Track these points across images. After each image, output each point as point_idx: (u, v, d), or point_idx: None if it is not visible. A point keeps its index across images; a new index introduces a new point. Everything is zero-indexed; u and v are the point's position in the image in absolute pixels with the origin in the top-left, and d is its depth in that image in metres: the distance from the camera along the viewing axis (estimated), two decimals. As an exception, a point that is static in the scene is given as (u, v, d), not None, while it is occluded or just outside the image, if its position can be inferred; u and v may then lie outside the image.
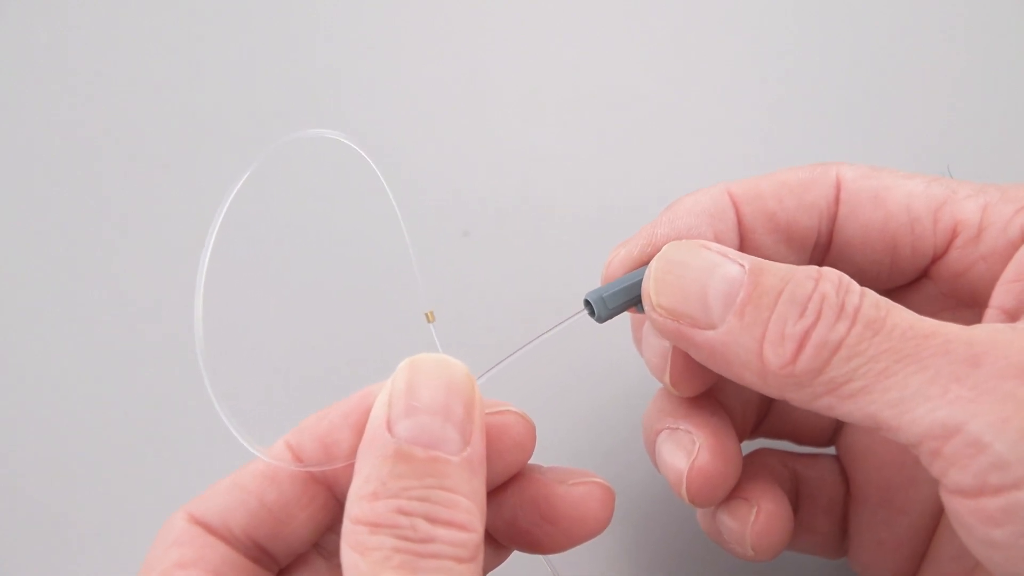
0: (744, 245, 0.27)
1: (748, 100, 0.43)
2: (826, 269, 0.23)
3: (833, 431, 0.31)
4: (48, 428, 0.36)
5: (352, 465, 0.22)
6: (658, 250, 0.25)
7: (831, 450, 0.31)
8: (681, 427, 0.27)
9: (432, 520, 0.20)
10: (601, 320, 0.26)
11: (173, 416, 0.36)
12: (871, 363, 0.21)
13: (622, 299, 0.26)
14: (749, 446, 0.31)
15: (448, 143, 0.44)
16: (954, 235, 0.25)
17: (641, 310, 0.25)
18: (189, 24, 0.44)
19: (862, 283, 0.23)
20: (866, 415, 0.21)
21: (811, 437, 0.31)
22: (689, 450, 0.26)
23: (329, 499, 0.25)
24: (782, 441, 0.32)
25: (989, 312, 0.24)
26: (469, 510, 0.21)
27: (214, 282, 0.24)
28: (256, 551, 0.24)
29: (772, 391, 0.23)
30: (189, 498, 0.24)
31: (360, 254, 0.39)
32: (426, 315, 0.27)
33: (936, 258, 0.26)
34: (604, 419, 0.36)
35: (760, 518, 0.27)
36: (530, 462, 0.26)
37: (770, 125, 0.42)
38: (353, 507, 0.21)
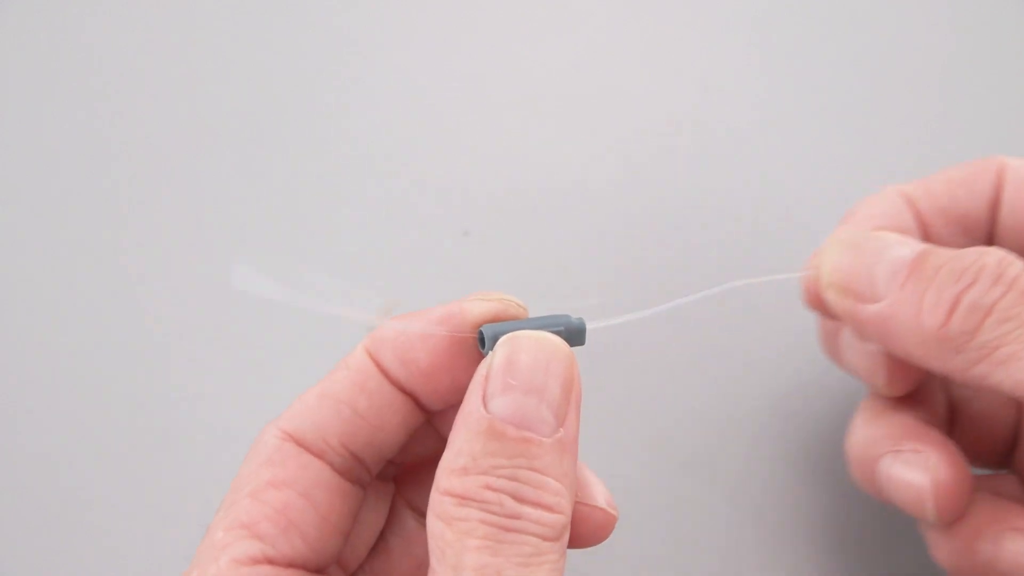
0: (927, 240, 0.28)
1: (748, 101, 0.43)
2: (992, 248, 0.24)
3: (1008, 449, 0.31)
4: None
5: (434, 374, 0.24)
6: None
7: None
8: (905, 448, 0.27)
9: (519, 499, 0.21)
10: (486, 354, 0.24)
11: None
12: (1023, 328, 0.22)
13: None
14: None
15: (448, 142, 0.44)
16: None
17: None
18: (190, 25, 0.44)
19: None
20: (1016, 382, 0.22)
21: (987, 455, 0.31)
22: (925, 468, 0.26)
23: (415, 407, 0.25)
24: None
25: None
26: (558, 491, 0.21)
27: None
28: (351, 462, 0.24)
29: (934, 361, 0.24)
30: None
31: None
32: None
33: None
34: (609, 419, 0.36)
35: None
36: None
37: (770, 125, 0.42)
38: (443, 480, 0.21)
